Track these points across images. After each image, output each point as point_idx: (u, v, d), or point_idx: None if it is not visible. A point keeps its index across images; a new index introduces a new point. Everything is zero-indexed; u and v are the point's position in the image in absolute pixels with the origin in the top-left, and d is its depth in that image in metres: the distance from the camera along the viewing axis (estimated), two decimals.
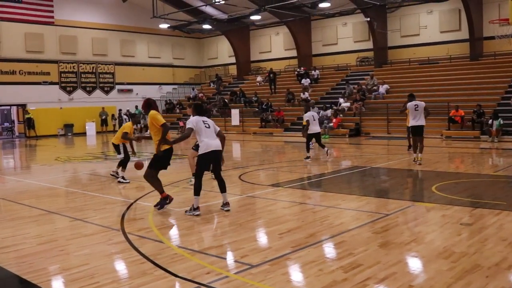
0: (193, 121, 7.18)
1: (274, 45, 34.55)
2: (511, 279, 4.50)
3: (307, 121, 13.78)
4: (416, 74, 25.61)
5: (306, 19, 30.41)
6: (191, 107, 7.67)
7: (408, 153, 14.55)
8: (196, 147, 9.25)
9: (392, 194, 8.99)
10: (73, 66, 31.30)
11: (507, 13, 22.03)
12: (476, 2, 24.57)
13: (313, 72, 29.64)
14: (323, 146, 14.02)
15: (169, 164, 7.64)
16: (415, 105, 12.22)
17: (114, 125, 31.43)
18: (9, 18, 28.30)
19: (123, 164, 10.88)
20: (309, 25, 31.96)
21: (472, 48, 24.88)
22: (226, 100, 30.67)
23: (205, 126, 7.22)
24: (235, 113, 27.74)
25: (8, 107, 31.74)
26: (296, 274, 4.78)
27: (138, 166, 9.45)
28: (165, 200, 7.58)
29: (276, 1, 25.64)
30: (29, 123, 28.80)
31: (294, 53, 32.23)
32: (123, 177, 10.69)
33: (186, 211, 7.33)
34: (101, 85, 32.75)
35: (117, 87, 33.44)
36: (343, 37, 30.72)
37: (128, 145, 11.11)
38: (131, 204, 8.27)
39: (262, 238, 6.18)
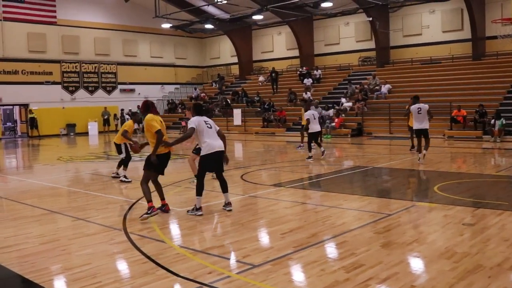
0: (194, 121, 7.16)
1: (276, 45, 34.52)
2: None
3: (307, 119, 13.80)
4: (418, 74, 25.56)
5: (308, 18, 30.43)
6: (190, 109, 7.55)
7: (411, 153, 14.53)
8: (197, 150, 9.15)
9: (394, 194, 8.97)
10: (76, 66, 31.33)
11: (510, 12, 22.03)
12: (478, 1, 24.49)
13: (315, 71, 29.63)
14: (319, 145, 14.09)
15: (165, 167, 7.32)
16: (418, 108, 12.20)
17: (116, 125, 31.37)
18: (12, 18, 28.39)
19: (124, 163, 10.89)
20: (311, 25, 31.93)
21: (474, 47, 24.81)
22: (228, 100, 30.68)
23: (207, 126, 7.21)
24: (237, 113, 27.75)
25: (11, 107, 31.81)
26: (298, 274, 4.78)
27: (135, 149, 8.53)
28: (149, 209, 7.00)
29: (278, 1, 25.63)
30: (32, 123, 28.89)
31: (296, 52, 32.19)
32: (125, 176, 10.69)
33: (188, 211, 7.34)
34: (103, 85, 32.77)
35: (120, 87, 33.45)
36: (345, 36, 30.67)
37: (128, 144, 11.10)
38: (133, 203, 8.28)
39: (264, 238, 6.18)
